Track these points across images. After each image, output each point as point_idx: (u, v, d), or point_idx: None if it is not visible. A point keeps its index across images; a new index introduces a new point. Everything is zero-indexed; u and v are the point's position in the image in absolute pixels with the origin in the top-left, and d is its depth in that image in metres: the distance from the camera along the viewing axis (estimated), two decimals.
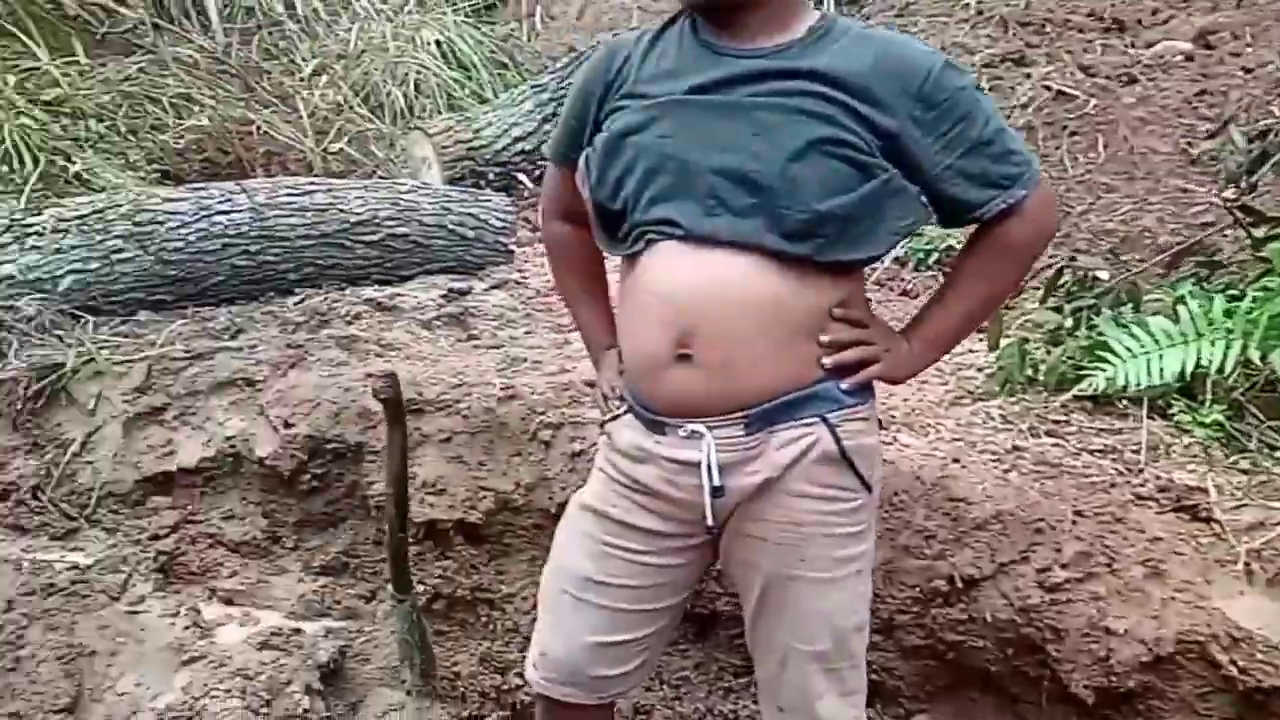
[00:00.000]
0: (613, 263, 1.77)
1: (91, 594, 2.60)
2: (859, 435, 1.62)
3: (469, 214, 4.00)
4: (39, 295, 3.11)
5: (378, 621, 2.68)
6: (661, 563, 1.70)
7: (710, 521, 1.61)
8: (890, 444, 2.30)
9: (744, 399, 1.56)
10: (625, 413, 1.69)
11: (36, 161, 3.64)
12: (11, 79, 3.90)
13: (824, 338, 1.57)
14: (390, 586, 2.27)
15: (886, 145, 1.54)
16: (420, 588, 2.62)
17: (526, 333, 3.29)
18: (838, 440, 1.58)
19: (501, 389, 2.67)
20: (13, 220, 3.25)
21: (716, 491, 1.57)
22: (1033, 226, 1.65)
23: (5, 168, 3.57)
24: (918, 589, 2.13)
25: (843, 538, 1.62)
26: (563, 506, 2.54)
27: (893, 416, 2.46)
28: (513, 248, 4.14)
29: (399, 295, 3.66)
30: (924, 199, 1.62)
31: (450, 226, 3.92)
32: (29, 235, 3.20)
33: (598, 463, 1.77)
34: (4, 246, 3.17)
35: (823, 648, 1.64)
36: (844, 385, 1.59)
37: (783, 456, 1.58)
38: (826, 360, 1.58)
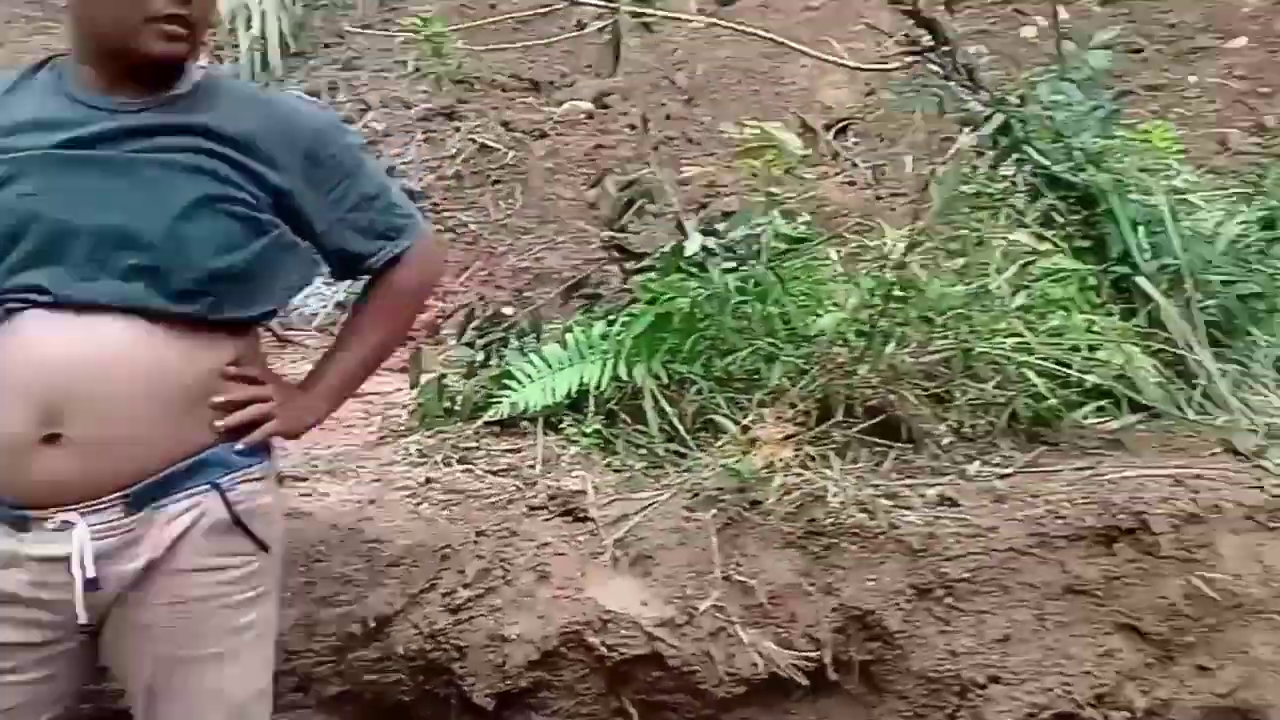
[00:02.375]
0: None
1: None
2: (255, 497, 1.56)
3: None
4: None
5: None
6: (23, 679, 1.49)
7: (83, 619, 1.43)
8: (309, 495, 2.27)
9: (124, 478, 1.44)
10: None
11: None
12: None
13: (216, 399, 1.51)
14: None
15: (278, 202, 1.53)
16: None
17: None
18: (229, 505, 1.51)
19: None
20: None
21: (90, 584, 1.41)
22: (419, 273, 1.74)
23: None
24: (334, 637, 2.10)
25: (239, 606, 1.55)
26: None
27: (315, 465, 2.43)
28: None
29: None
30: (317, 255, 1.65)
31: None
32: None
33: None
34: None
35: None
36: (239, 446, 1.53)
37: (168, 533, 1.47)
38: (219, 423, 1.51)
